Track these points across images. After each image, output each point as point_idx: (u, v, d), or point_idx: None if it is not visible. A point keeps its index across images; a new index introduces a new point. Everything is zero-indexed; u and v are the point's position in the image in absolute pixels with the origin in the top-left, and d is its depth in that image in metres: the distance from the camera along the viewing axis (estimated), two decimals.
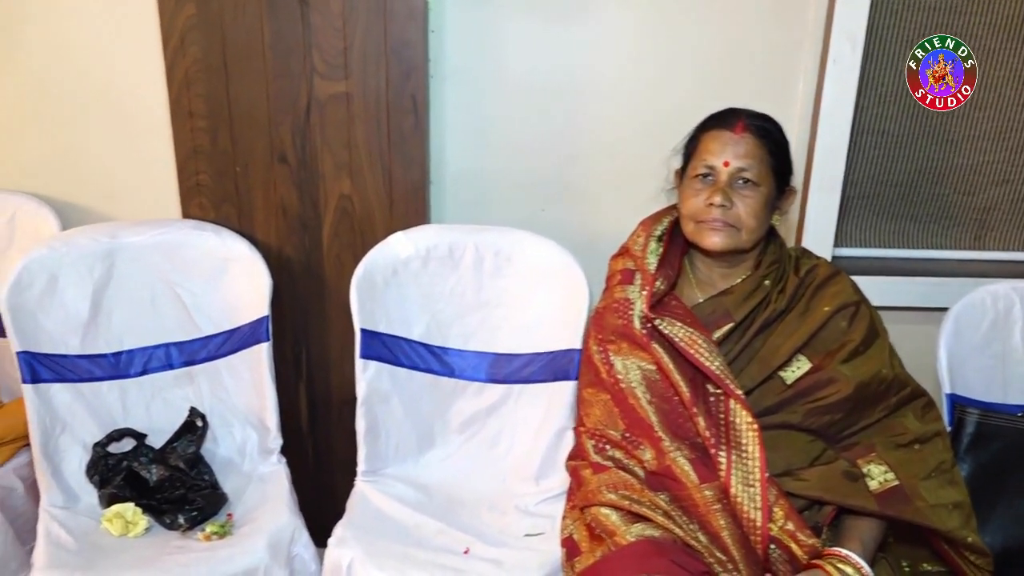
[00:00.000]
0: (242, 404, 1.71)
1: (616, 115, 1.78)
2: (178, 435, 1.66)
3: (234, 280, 1.68)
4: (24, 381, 1.52)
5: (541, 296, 1.67)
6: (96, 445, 1.59)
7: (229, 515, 1.54)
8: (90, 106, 1.75)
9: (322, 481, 1.89)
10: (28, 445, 1.71)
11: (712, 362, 1.26)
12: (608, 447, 1.34)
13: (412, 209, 1.70)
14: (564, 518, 1.48)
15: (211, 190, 1.70)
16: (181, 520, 1.49)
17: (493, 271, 1.68)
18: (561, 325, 1.64)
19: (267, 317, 1.66)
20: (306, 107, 1.64)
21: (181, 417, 1.69)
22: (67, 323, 1.58)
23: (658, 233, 1.42)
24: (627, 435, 1.33)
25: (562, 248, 1.65)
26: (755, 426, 1.23)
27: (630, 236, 1.47)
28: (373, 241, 1.70)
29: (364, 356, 1.62)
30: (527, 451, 1.69)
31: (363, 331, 1.61)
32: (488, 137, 1.79)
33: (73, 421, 1.59)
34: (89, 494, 1.57)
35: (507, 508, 1.62)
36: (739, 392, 1.24)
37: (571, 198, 1.85)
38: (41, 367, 1.54)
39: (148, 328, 1.67)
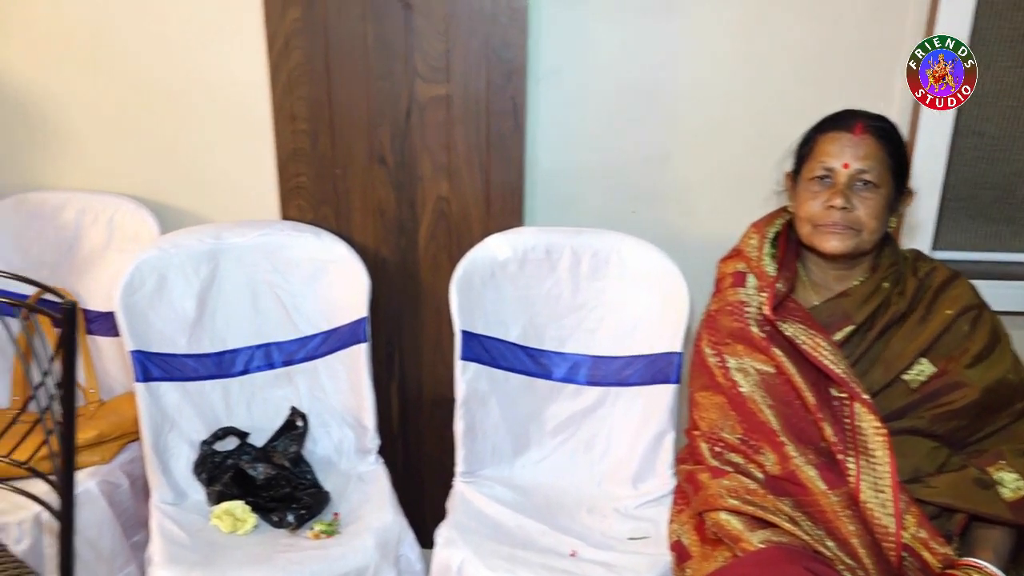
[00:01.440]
0: (339, 404, 1.73)
1: (710, 116, 1.77)
2: (278, 434, 1.69)
3: (333, 281, 1.70)
4: (137, 380, 1.54)
5: (639, 299, 1.66)
6: (203, 443, 1.61)
7: (336, 514, 1.55)
8: (192, 109, 1.78)
9: (412, 481, 1.91)
10: (132, 442, 1.76)
11: (837, 365, 1.24)
12: (725, 451, 1.34)
13: (508, 210, 1.71)
14: (671, 522, 1.47)
15: (310, 192, 1.72)
16: (290, 518, 1.51)
17: (590, 273, 1.68)
18: (660, 328, 1.64)
19: (366, 318, 1.67)
20: (406, 110, 1.65)
21: (280, 416, 1.71)
22: (175, 322, 1.61)
23: (771, 235, 1.41)
24: (746, 439, 1.32)
25: (661, 251, 1.65)
26: (883, 431, 1.21)
27: (741, 238, 1.46)
28: (469, 243, 1.71)
29: (464, 358, 1.63)
30: (624, 454, 1.68)
31: (463, 333, 1.62)
32: (579, 137, 1.79)
33: (181, 419, 1.61)
34: (196, 491, 1.60)
35: (606, 511, 1.62)
36: (866, 396, 1.23)
37: (662, 200, 1.84)
38: (152, 366, 1.56)
39: (249, 328, 1.70)
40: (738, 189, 1.79)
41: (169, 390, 1.60)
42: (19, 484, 1.45)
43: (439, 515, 1.64)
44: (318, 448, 1.73)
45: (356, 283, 1.68)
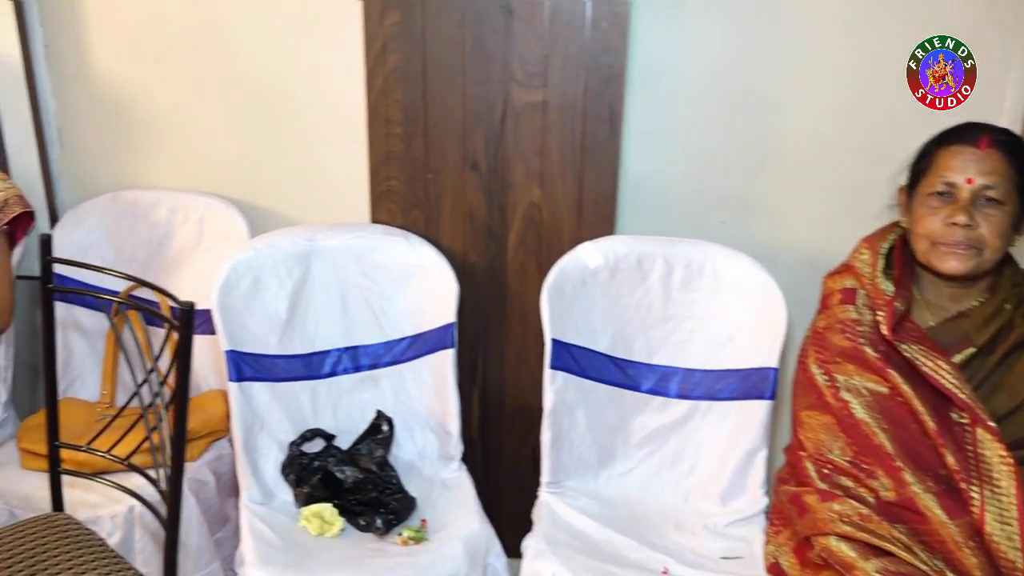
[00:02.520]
0: (424, 409, 1.72)
1: (809, 125, 1.72)
2: (363, 437, 1.68)
3: (421, 286, 1.69)
4: (230, 379, 1.55)
5: (733, 311, 1.62)
6: (291, 444, 1.62)
7: (423, 521, 1.54)
8: (286, 111, 1.79)
9: (490, 488, 1.89)
10: (218, 440, 1.78)
11: (961, 390, 1.19)
12: (834, 473, 1.29)
13: (601, 218, 1.68)
14: (767, 543, 1.43)
15: (401, 196, 1.71)
16: (378, 523, 1.50)
17: (682, 284, 1.65)
18: (755, 342, 1.60)
19: (453, 324, 1.66)
20: (501, 115, 1.64)
21: (365, 419, 1.71)
22: (268, 323, 1.62)
23: (884, 251, 1.36)
24: (856, 462, 1.27)
25: (757, 263, 1.61)
26: (1009, 460, 1.16)
27: (851, 253, 1.41)
28: (559, 250, 1.69)
29: (553, 367, 1.61)
30: (713, 470, 1.65)
31: (553, 341, 1.60)
32: (671, 144, 1.75)
33: (270, 420, 1.62)
34: (284, 492, 1.60)
35: (696, 528, 1.58)
36: (991, 423, 1.18)
37: (754, 211, 1.80)
38: (245, 366, 1.58)
39: (337, 330, 1.70)
40: (837, 201, 1.74)
41: (260, 390, 1.61)
42: (113, 478, 1.48)
43: (517, 524, 1.63)
44: (402, 452, 1.73)
45: (444, 288, 1.67)
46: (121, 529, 1.57)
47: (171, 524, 1.22)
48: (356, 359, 1.72)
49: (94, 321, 1.90)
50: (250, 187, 1.87)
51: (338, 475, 1.57)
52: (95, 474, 1.49)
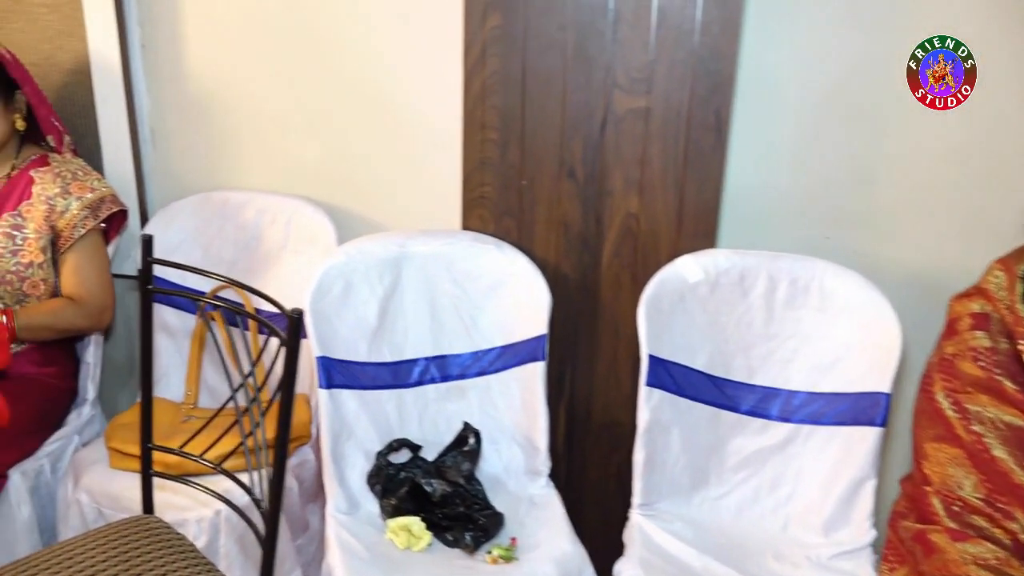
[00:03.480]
0: (511, 422, 1.68)
1: (924, 138, 1.63)
2: (448, 449, 1.65)
3: (512, 296, 1.65)
4: (320, 386, 1.53)
5: (842, 332, 1.54)
6: (378, 454, 1.59)
7: (513, 539, 1.49)
8: (379, 114, 1.76)
9: (574, 506, 1.83)
10: (302, 446, 1.75)
11: None
12: (965, 512, 1.20)
13: (701, 231, 1.62)
14: None
15: (494, 203, 1.67)
16: (468, 539, 1.46)
17: (786, 301, 1.57)
18: (866, 365, 1.51)
19: (545, 336, 1.62)
20: (602, 121, 1.58)
21: (450, 431, 1.67)
22: (358, 330, 1.59)
23: (1023, 274, 1.27)
24: (991, 500, 1.18)
25: (869, 282, 1.53)
26: None
27: (984, 276, 1.32)
28: (656, 262, 1.63)
29: (649, 384, 1.55)
30: (815, 498, 1.56)
31: (651, 357, 1.54)
32: (775, 155, 1.67)
33: (357, 428, 1.59)
34: (369, 502, 1.57)
35: (797, 559, 1.50)
36: None
37: (859, 226, 1.70)
38: (336, 372, 1.55)
39: (425, 339, 1.67)
40: (955, 218, 1.63)
41: (349, 398, 1.58)
42: (199, 480, 1.46)
43: (602, 543, 1.57)
44: (487, 466, 1.68)
45: (536, 299, 1.63)
46: (207, 533, 1.56)
47: (270, 531, 1.20)
48: (443, 369, 1.68)
49: (179, 321, 1.90)
50: (338, 190, 1.85)
51: (426, 488, 1.53)
52: (182, 476, 1.48)
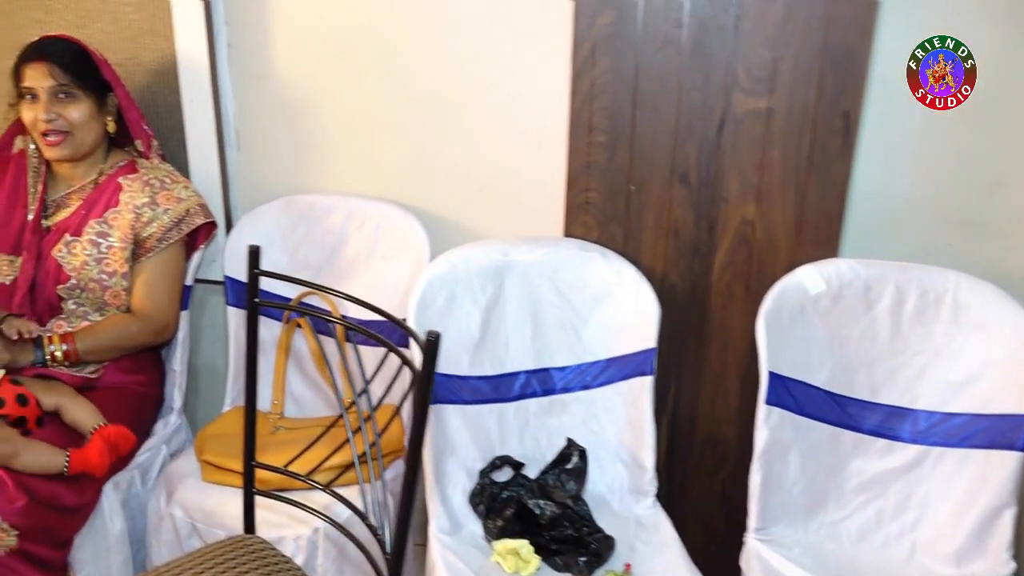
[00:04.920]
0: (615, 439, 1.60)
1: None
2: (551, 467, 1.57)
3: (618, 307, 1.57)
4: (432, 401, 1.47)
5: (978, 349, 1.44)
6: (481, 472, 1.52)
7: (627, 565, 1.42)
8: (476, 116, 1.69)
9: (673, 524, 1.76)
10: (397, 459, 1.69)
11: None
12: None
13: (823, 239, 1.53)
14: None
15: (599, 208, 1.59)
16: (581, 564, 1.39)
17: (915, 315, 1.48)
18: (1006, 385, 1.41)
19: (654, 350, 1.54)
20: (719, 123, 1.50)
21: (551, 447, 1.60)
22: (461, 342, 1.53)
23: None
24: None
25: (1007, 295, 1.42)
26: None
27: None
28: (771, 272, 1.54)
29: (769, 402, 1.46)
30: (945, 526, 1.47)
31: (771, 374, 1.45)
32: (901, 158, 1.56)
33: (459, 445, 1.53)
34: (472, 523, 1.51)
35: None
36: None
37: (987, 233, 1.60)
38: (439, 387, 1.49)
39: (527, 351, 1.59)
40: None
41: (451, 413, 1.52)
42: (295, 496, 1.41)
43: (704, 566, 1.49)
44: (589, 484, 1.61)
45: (644, 310, 1.55)
46: (304, 551, 1.51)
47: (395, 561, 1.14)
48: (545, 382, 1.61)
49: (264, 328, 1.85)
50: (428, 194, 1.78)
51: (534, 509, 1.46)
52: (280, 492, 1.43)
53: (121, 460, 1.61)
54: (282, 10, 1.75)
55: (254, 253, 1.30)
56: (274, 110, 1.82)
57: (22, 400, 1.50)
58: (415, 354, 1.47)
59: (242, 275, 1.83)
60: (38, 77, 1.54)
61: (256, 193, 1.88)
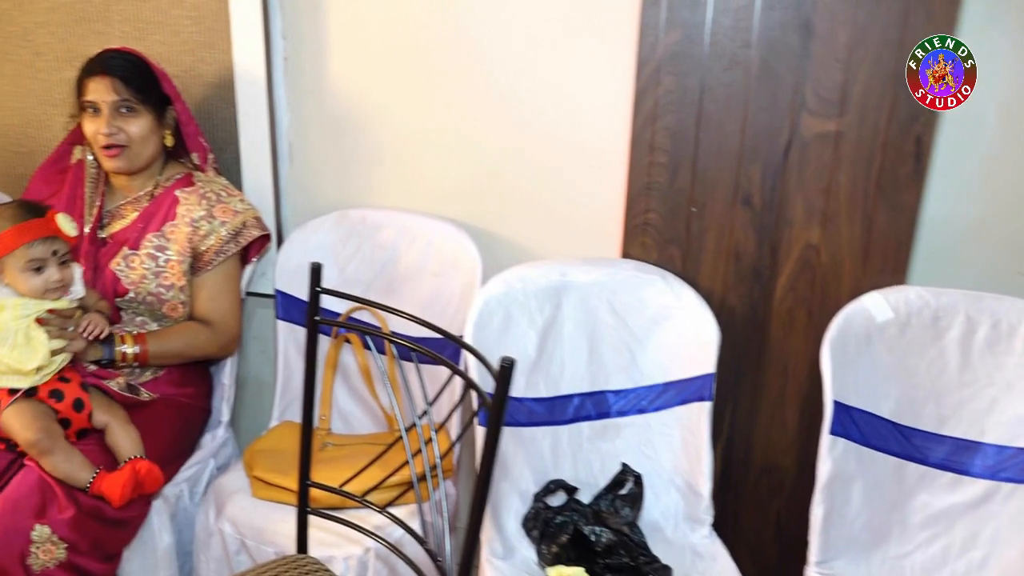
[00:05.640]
0: (670, 465, 1.57)
1: None
2: (605, 492, 1.54)
3: (676, 330, 1.54)
4: (480, 423, 1.44)
5: None
6: (536, 496, 1.50)
7: None
8: (533, 135, 1.67)
9: None
10: (447, 479, 1.67)
11: None
12: None
13: (890, 266, 1.49)
14: None
15: (658, 229, 1.57)
16: None
17: (987, 346, 1.43)
18: None
19: (713, 375, 1.50)
20: (785, 146, 1.47)
21: (604, 472, 1.57)
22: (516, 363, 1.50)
23: None
24: None
25: None
26: None
27: None
28: (835, 298, 1.51)
29: (833, 432, 1.42)
30: (1015, 565, 1.42)
31: (835, 404, 1.42)
32: (971, 184, 1.52)
33: (514, 468, 1.51)
34: (525, 547, 1.48)
35: None
36: None
37: None
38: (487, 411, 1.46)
39: (582, 373, 1.57)
40: None
41: (506, 436, 1.49)
42: (345, 515, 1.39)
43: None
44: (642, 511, 1.58)
45: (703, 334, 1.51)
46: (354, 571, 1.49)
47: None
48: (600, 405, 1.58)
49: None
50: (481, 212, 1.76)
51: (589, 536, 1.43)
52: (328, 510, 1.41)
53: (168, 474, 1.61)
54: (339, 25, 1.75)
55: (316, 270, 1.28)
56: (327, 124, 1.82)
57: (78, 405, 1.48)
58: (473, 374, 1.47)
59: (293, 289, 1.83)
60: (101, 91, 1.54)
61: (307, 207, 1.87)
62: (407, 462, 1.28)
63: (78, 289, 1.51)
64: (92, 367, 1.56)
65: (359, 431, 1.83)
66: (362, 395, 1.82)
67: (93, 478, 1.43)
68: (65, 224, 1.45)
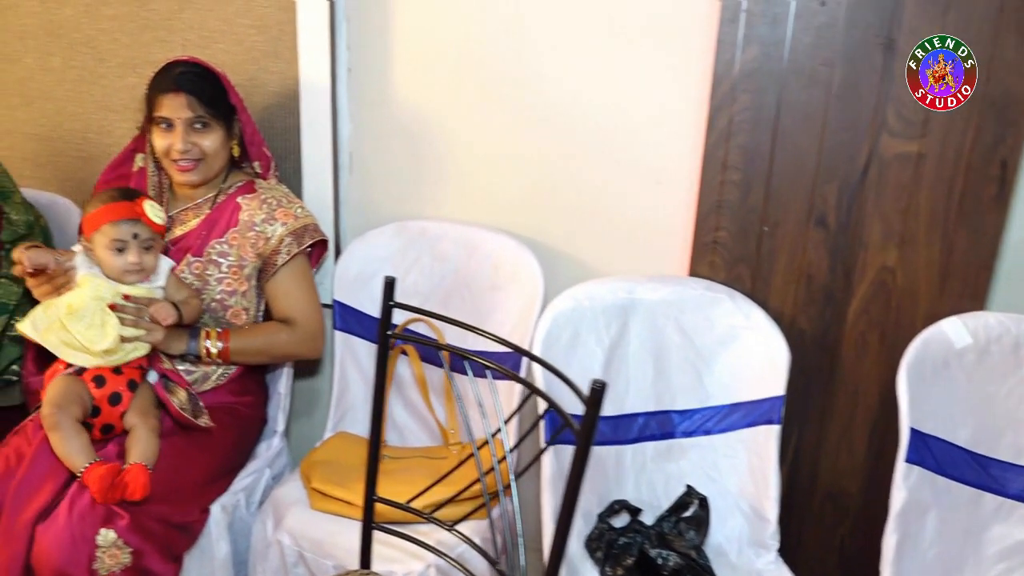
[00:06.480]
0: (735, 488, 1.54)
1: None
2: (668, 514, 1.52)
3: (745, 351, 1.51)
4: (547, 440, 1.43)
5: None
6: (600, 516, 1.48)
7: None
8: (592, 148, 1.65)
9: None
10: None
11: None
12: None
13: (968, 291, 1.45)
14: None
15: (728, 248, 1.54)
16: None
17: None
18: None
19: (782, 397, 1.48)
20: (863, 166, 1.44)
21: (666, 493, 1.55)
22: (583, 381, 1.47)
23: None
24: None
25: None
26: None
27: None
28: (910, 322, 1.48)
29: (909, 460, 1.39)
30: None
31: (912, 432, 1.38)
32: None
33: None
34: (587, 568, 1.46)
35: None
36: None
37: None
38: (558, 426, 1.44)
39: (647, 392, 1.55)
40: None
41: (571, 454, 1.47)
42: (404, 529, 1.37)
43: None
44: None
45: (773, 356, 1.49)
46: None
47: None
48: (665, 425, 1.55)
49: (367, 353, 1.83)
50: (542, 227, 1.74)
51: (656, 559, 1.41)
52: (387, 524, 1.39)
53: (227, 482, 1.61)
54: (403, 37, 1.74)
55: (389, 285, 1.27)
56: (389, 135, 1.81)
57: (114, 399, 1.46)
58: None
59: (351, 299, 1.83)
60: (176, 108, 1.54)
61: (365, 218, 1.87)
62: (479, 479, 1.26)
63: (159, 279, 1.52)
64: (168, 364, 1.55)
65: (412, 443, 1.82)
66: (416, 407, 1.81)
67: (86, 467, 1.38)
68: (151, 211, 1.48)
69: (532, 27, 1.64)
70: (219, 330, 1.60)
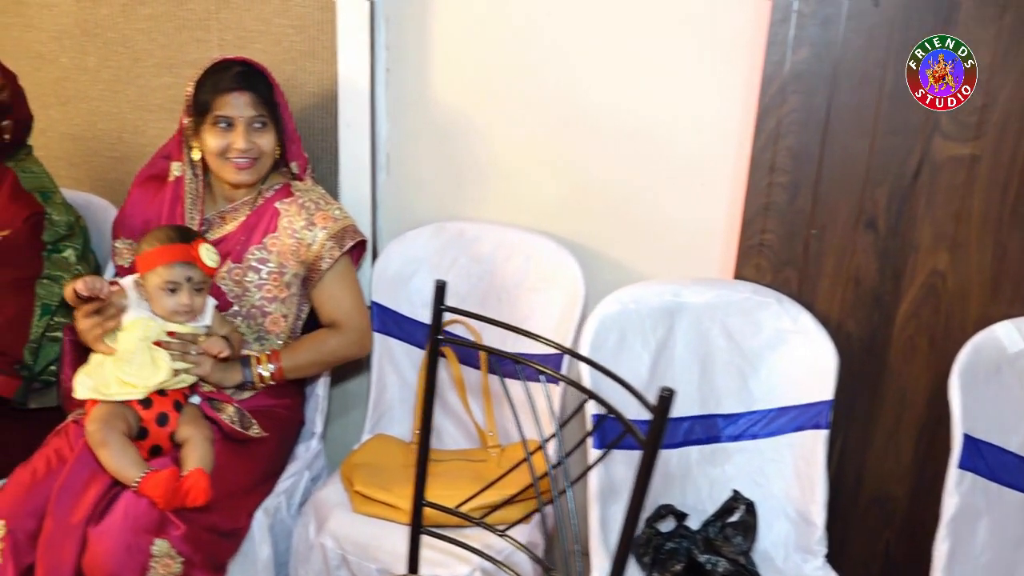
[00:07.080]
0: (781, 493, 1.53)
1: None
2: (714, 519, 1.51)
3: (792, 355, 1.50)
4: (595, 446, 1.42)
5: None
6: (647, 520, 1.47)
7: None
8: (633, 150, 1.64)
9: None
10: (548, 503, 1.65)
11: None
12: None
13: (1021, 295, 1.43)
14: None
15: (775, 251, 1.53)
16: None
17: None
18: None
19: (830, 402, 1.46)
20: (915, 169, 1.42)
21: (712, 498, 1.54)
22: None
23: None
24: None
25: None
26: None
27: None
28: (960, 327, 1.46)
29: (962, 466, 1.38)
30: None
31: (965, 437, 1.37)
32: None
33: (623, 491, 1.47)
34: (635, 573, 1.45)
35: None
36: None
37: None
38: (611, 432, 1.44)
39: (692, 395, 1.54)
40: None
41: (617, 459, 1.47)
42: (450, 533, 1.36)
43: None
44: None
45: (820, 360, 1.47)
46: None
47: None
48: (710, 429, 1.54)
49: (406, 354, 1.82)
50: (582, 228, 1.73)
51: (705, 565, 1.40)
52: (433, 527, 1.38)
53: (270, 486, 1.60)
54: (442, 38, 1.73)
55: (440, 289, 1.26)
56: (427, 136, 1.81)
57: (161, 419, 1.46)
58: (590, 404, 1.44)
59: (389, 300, 1.82)
60: (240, 107, 1.53)
61: (402, 218, 1.86)
62: (531, 485, 1.25)
63: (206, 319, 1.53)
64: (226, 390, 1.57)
65: (449, 446, 1.81)
66: (454, 410, 1.80)
67: (142, 477, 1.37)
68: (206, 254, 1.48)
69: (572, 28, 1.63)
70: (267, 353, 1.60)
